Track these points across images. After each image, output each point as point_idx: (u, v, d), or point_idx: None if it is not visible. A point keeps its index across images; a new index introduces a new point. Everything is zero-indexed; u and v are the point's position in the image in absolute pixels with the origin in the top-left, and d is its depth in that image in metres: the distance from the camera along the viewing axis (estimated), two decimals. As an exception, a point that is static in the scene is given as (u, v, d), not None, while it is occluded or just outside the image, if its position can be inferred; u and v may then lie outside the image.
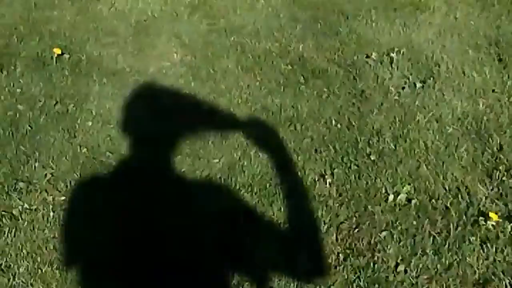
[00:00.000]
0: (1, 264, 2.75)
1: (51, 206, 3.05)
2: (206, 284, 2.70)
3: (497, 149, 3.39)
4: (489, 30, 4.56)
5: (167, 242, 2.87)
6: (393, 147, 3.44)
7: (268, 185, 3.20)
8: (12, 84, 3.88)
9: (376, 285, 2.66)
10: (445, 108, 3.73)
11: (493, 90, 3.88)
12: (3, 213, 3.00)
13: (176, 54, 4.39)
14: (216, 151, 3.45)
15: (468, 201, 3.05)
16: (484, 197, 3.07)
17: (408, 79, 4.02)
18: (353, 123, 3.64)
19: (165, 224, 2.97)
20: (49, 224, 2.96)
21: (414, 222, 2.97)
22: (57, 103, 3.76)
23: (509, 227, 2.90)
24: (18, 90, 3.82)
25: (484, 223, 2.91)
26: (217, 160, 3.38)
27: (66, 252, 2.85)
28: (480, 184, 3.16)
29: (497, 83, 3.94)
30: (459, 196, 3.09)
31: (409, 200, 3.09)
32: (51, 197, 3.11)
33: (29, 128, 3.53)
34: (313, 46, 4.45)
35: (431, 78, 4.01)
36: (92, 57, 4.30)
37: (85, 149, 3.41)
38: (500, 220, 2.93)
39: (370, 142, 3.49)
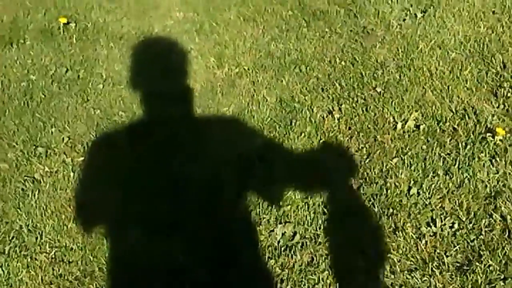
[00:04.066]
0: (28, 224, 2.87)
1: (71, 167, 3.16)
2: (226, 228, 2.79)
3: (500, 67, 3.43)
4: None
5: (186, 190, 2.96)
6: (398, 77, 3.49)
7: (277, 126, 3.27)
8: (23, 56, 3.97)
9: (391, 210, 2.72)
10: (447, 34, 3.76)
11: (493, 12, 3.91)
12: (25, 177, 3.11)
13: (178, 12, 4.45)
14: (224, 100, 3.53)
15: (475, 120, 3.10)
16: (490, 115, 3.11)
17: (409, 10, 4.06)
18: (357, 59, 3.69)
19: (183, 173, 3.05)
20: (70, 184, 3.06)
21: (424, 147, 3.03)
22: (67, 70, 3.86)
23: (517, 140, 2.96)
24: (29, 61, 3.92)
25: (492, 139, 2.96)
26: (226, 108, 3.46)
27: (89, 207, 2.96)
28: (486, 103, 3.21)
29: (496, 5, 3.97)
30: (466, 116, 3.14)
31: (417, 126, 3.15)
32: (70, 159, 3.21)
33: (43, 96, 3.63)
34: (311, -10, 4.47)
35: (431, 7, 4.05)
36: (98, 23, 4.38)
37: (98, 111, 3.51)
38: (508, 134, 2.98)
39: (375, 75, 3.54)
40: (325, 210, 2.75)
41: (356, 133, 3.18)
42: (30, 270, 2.66)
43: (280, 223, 2.73)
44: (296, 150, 3.14)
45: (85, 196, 3.02)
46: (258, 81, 3.64)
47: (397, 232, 2.61)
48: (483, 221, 2.58)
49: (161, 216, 2.84)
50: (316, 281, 2.45)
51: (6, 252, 2.75)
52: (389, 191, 2.82)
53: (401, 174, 2.89)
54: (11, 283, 2.61)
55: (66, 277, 2.61)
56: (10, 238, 2.81)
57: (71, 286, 2.57)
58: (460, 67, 3.48)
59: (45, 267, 2.67)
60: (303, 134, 3.21)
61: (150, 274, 2.58)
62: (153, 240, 2.72)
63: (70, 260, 2.68)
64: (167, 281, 2.55)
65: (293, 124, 3.29)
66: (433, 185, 2.80)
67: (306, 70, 3.67)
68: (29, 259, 2.70)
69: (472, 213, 2.63)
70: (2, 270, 2.67)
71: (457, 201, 2.71)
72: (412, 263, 2.47)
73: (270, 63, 3.78)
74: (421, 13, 3.99)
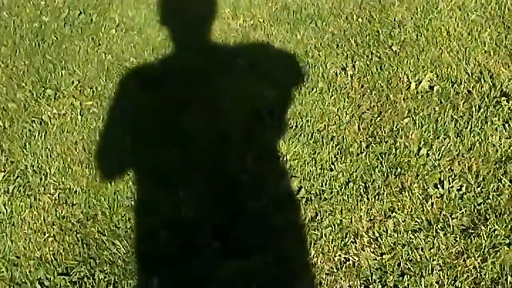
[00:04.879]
0: (33, 165, 2.87)
1: (79, 111, 3.15)
2: (234, 180, 2.76)
3: (520, 32, 3.35)
4: None
5: (196, 142, 2.94)
6: (415, 36, 3.42)
7: (290, 81, 3.24)
8: (35, -3, 3.96)
9: (398, 169, 2.68)
10: (468, -5, 3.68)
11: (517, -26, 3.80)
12: (33, 118, 3.11)
13: (196, -39, 4.38)
14: (239, 50, 3.49)
15: (491, 83, 3.04)
16: (507, 79, 3.04)
17: (431, -31, 3.96)
18: (374, 17, 3.62)
19: (193, 124, 3.03)
20: (77, 128, 3.06)
21: (437, 108, 2.98)
22: (81, 13, 3.83)
23: (532, 105, 2.90)
24: (42, 3, 3.90)
25: (506, 103, 2.89)
26: (240, 58, 3.42)
27: (96, 151, 2.95)
28: (503, 66, 3.14)
29: (521, -33, 3.86)
30: (482, 79, 3.07)
31: (431, 87, 3.09)
32: (79, 102, 3.20)
33: (55, 38, 3.60)
34: None
35: (454, -33, 3.95)
36: (113, -32, 4.33)
37: (109, 56, 3.48)
38: (524, 99, 2.93)
39: (392, 33, 3.48)
40: (332, 166, 2.73)
41: (368, 91, 3.13)
42: (33, 210, 2.67)
43: (286, 177, 2.72)
44: (307, 106, 3.10)
45: (94, 141, 3.01)
46: (272, 34, 3.59)
47: (403, 192, 2.58)
48: (492, 185, 2.54)
49: (170, 167, 2.82)
50: (319, 236, 2.43)
51: (10, 191, 2.76)
52: (398, 150, 2.78)
53: (412, 134, 2.85)
54: (14, 222, 2.62)
55: (68, 219, 2.62)
56: (15, 177, 2.83)
57: (74, 228, 2.58)
58: (479, 29, 3.40)
59: (48, 208, 2.68)
60: (315, 90, 3.17)
61: (155, 224, 2.58)
62: (161, 190, 2.71)
63: (74, 203, 2.69)
64: (173, 232, 2.54)
65: (305, 79, 3.25)
66: (443, 147, 2.76)
67: (322, 25, 3.61)
68: (32, 199, 2.72)
69: (481, 176, 2.58)
70: (5, 208, 2.69)
71: (466, 164, 2.66)
72: (416, 223, 2.45)
73: (286, 16, 3.73)
74: (443, -28, 3.90)
